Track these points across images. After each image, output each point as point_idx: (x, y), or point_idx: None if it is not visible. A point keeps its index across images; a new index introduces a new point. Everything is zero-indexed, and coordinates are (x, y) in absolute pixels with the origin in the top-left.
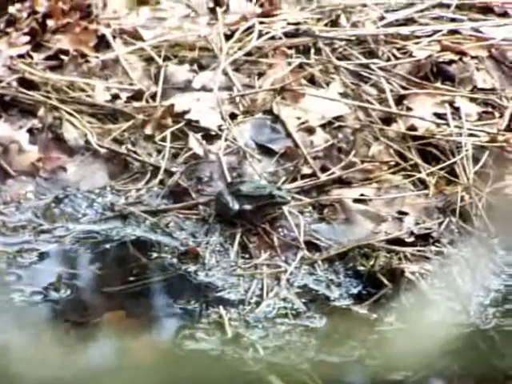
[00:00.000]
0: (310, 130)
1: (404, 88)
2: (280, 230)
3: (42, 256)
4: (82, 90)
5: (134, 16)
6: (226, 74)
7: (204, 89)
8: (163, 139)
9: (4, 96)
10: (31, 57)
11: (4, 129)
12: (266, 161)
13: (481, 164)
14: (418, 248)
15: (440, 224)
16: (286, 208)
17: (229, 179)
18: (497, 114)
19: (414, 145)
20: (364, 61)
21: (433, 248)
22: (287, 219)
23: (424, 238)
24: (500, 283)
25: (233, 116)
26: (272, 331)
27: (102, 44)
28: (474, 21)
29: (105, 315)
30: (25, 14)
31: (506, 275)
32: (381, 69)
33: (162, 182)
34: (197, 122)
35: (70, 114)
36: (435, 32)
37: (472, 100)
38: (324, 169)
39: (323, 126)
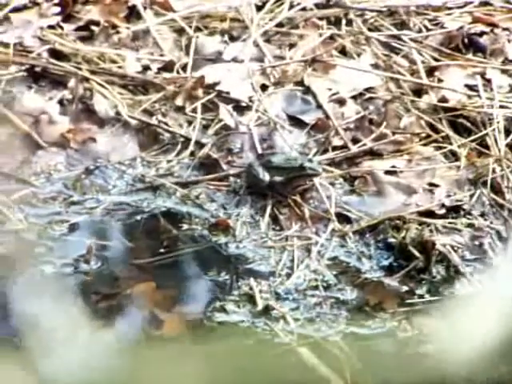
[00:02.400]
0: (341, 102)
1: (435, 59)
2: (311, 201)
3: (73, 227)
4: (113, 61)
5: None
6: (256, 45)
7: (235, 60)
8: (194, 110)
9: (34, 67)
10: (61, 28)
11: (34, 100)
12: (297, 132)
13: None
14: (449, 220)
15: (471, 196)
16: (316, 180)
17: (259, 151)
18: None
19: (445, 116)
20: (395, 32)
21: (464, 220)
22: (318, 191)
23: (455, 210)
24: None
25: (264, 87)
26: (303, 303)
27: (133, 15)
28: None
29: (135, 287)
30: None
31: None
32: (412, 40)
33: (192, 154)
34: (227, 93)
35: (101, 85)
36: (467, 3)
37: (503, 72)
38: (355, 140)
39: (354, 98)
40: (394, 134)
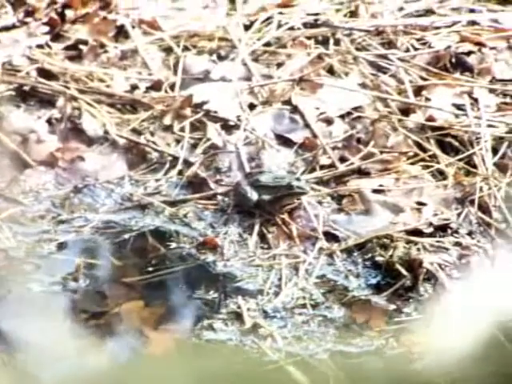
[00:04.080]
0: (329, 121)
1: (423, 79)
2: (299, 220)
3: (61, 246)
4: (101, 81)
5: (153, 6)
6: (244, 64)
7: (223, 79)
8: (182, 129)
9: (23, 86)
10: (50, 47)
11: (23, 119)
12: (285, 151)
13: (499, 155)
14: (437, 239)
15: (458, 215)
16: (304, 198)
17: (247, 170)
18: None
19: (432, 135)
20: (383, 51)
21: (451, 239)
22: (306, 210)
23: (442, 229)
24: None
25: (251, 106)
26: (290, 321)
27: (121, 34)
28: (493, 12)
29: (124, 305)
30: (44, 4)
31: None
32: (399, 59)
33: (180, 173)
34: (216, 112)
35: (89, 104)
36: (454, 23)
37: (491, 91)
38: (343, 159)
39: (342, 117)
40: (381, 152)
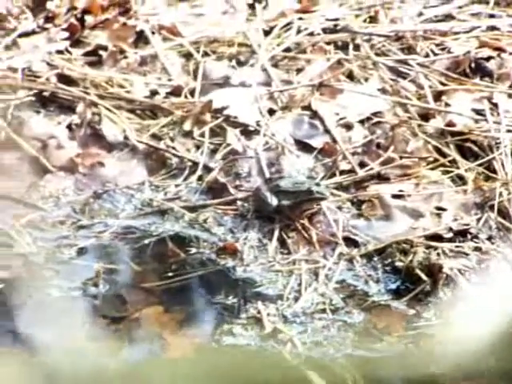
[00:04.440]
0: (349, 126)
1: (442, 84)
2: (318, 225)
3: (81, 251)
4: (121, 86)
5: (173, 12)
6: (264, 69)
7: (242, 85)
8: (202, 135)
9: (43, 92)
10: (70, 52)
11: (43, 124)
12: (305, 156)
13: None
14: (457, 244)
15: (478, 220)
16: (324, 204)
17: (267, 175)
18: None
19: (452, 140)
20: (402, 57)
21: (471, 244)
22: (325, 215)
23: (462, 234)
24: None
25: (271, 112)
26: (310, 326)
27: (141, 40)
28: None
29: (143, 311)
30: (63, 10)
31: None
32: (419, 65)
33: (200, 178)
34: (235, 117)
35: (109, 110)
36: (473, 28)
37: (510, 96)
38: (362, 164)
39: (361, 122)
40: (401, 158)
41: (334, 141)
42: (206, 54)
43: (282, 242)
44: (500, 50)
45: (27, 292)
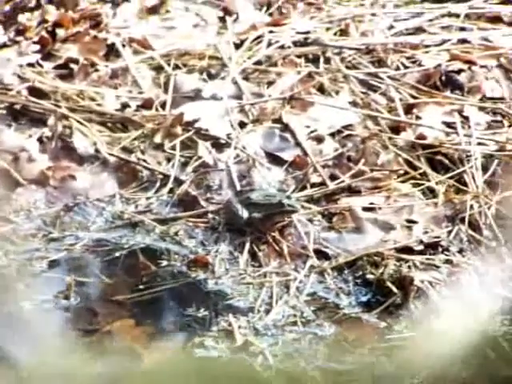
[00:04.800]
0: (319, 139)
1: (413, 97)
2: (289, 238)
3: (52, 264)
4: (92, 99)
5: (144, 25)
6: (235, 82)
7: (213, 97)
8: (173, 148)
9: (14, 105)
10: (41, 65)
11: (14, 137)
12: (276, 169)
13: (490, 173)
14: (427, 256)
15: (449, 232)
16: (295, 216)
17: (238, 187)
18: (506, 123)
19: (423, 153)
20: (373, 70)
21: (442, 256)
22: (296, 227)
23: (433, 247)
24: (508, 291)
25: (242, 124)
26: (281, 339)
27: (112, 53)
28: (483, 30)
29: (115, 323)
30: (34, 23)
31: None
32: (390, 78)
33: (171, 191)
34: (206, 130)
35: (80, 123)
36: (444, 41)
37: (481, 109)
38: (333, 177)
39: (332, 135)
40: (372, 170)
41: (305, 154)
42: (176, 67)
43: (253, 255)
44: (471, 62)
45: None
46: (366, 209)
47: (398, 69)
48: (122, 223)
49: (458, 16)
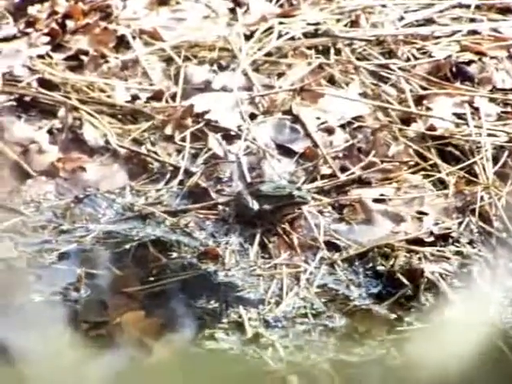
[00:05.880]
0: (330, 130)
1: (423, 88)
2: (300, 230)
3: (62, 256)
4: (102, 91)
5: (154, 16)
6: (245, 74)
7: (224, 89)
8: (183, 139)
9: (24, 96)
10: (51, 57)
11: (24, 129)
12: (286, 161)
13: (500, 164)
14: (438, 248)
15: (459, 224)
16: (305, 208)
17: (248, 179)
18: None
19: (433, 145)
20: (383, 61)
21: (452, 248)
22: (307, 219)
23: (443, 238)
24: None
25: (252, 116)
26: (292, 331)
27: (122, 44)
28: (494, 21)
29: (125, 315)
30: (44, 15)
31: None
32: (400, 69)
33: (181, 183)
34: (216, 122)
35: (90, 115)
36: (454, 32)
37: (491, 100)
38: (343, 169)
39: (343, 126)
40: (382, 162)
41: (316, 145)
42: (187, 59)
43: (264, 247)
44: (481, 54)
45: (8, 297)
46: (376, 200)
47: (408, 60)
48: (132, 215)
49: (468, 7)
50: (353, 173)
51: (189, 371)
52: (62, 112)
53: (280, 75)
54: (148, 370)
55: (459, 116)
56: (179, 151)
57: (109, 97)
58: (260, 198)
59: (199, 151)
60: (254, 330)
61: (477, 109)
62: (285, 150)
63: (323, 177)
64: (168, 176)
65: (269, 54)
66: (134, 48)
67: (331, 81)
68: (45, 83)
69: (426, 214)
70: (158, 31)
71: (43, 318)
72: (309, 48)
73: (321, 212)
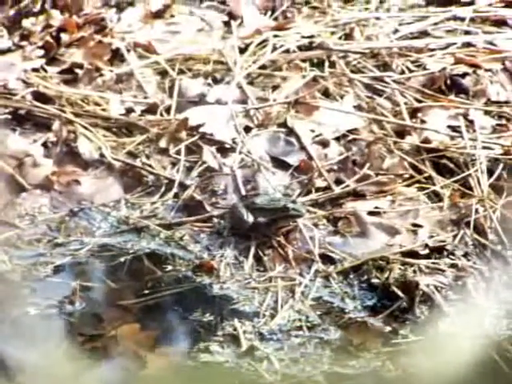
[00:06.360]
0: (324, 143)
1: (418, 101)
2: (294, 242)
3: (57, 269)
4: (97, 104)
5: (149, 29)
6: (240, 87)
7: (218, 102)
8: (178, 152)
9: (18, 109)
10: (45, 70)
11: (19, 142)
12: (281, 174)
13: (495, 177)
14: (433, 260)
15: (454, 236)
16: (300, 221)
17: (243, 192)
18: (511, 127)
19: (428, 157)
20: (378, 74)
21: (447, 260)
22: (302, 232)
23: (438, 251)
24: None
25: (247, 129)
26: (287, 344)
27: (117, 57)
28: (488, 33)
29: (120, 328)
30: (39, 28)
31: None
32: (395, 82)
33: (176, 196)
34: (211, 135)
35: (85, 128)
36: (449, 45)
37: (486, 113)
38: (338, 181)
39: (337, 139)
40: (377, 175)
41: (310, 158)
42: (181, 72)
43: (259, 259)
44: (476, 66)
45: (3, 310)
46: (371, 213)
47: (402, 73)
48: (127, 228)
49: (462, 19)
50: (347, 185)
51: (184, 383)
52: (56, 125)
53: (274, 88)
54: (143, 382)
55: (454, 129)
56: (174, 164)
57: (103, 110)
58: (255, 211)
59: (194, 164)
60: (248, 342)
61: (471, 121)
62: (279, 163)
63: (318, 189)
64: (163, 189)
65: (263, 67)
66: (129, 61)
67: (326, 93)
68: (39, 96)
69: (420, 226)
70: (152, 44)
71: (38, 330)
72: (303, 61)
73: (316, 225)
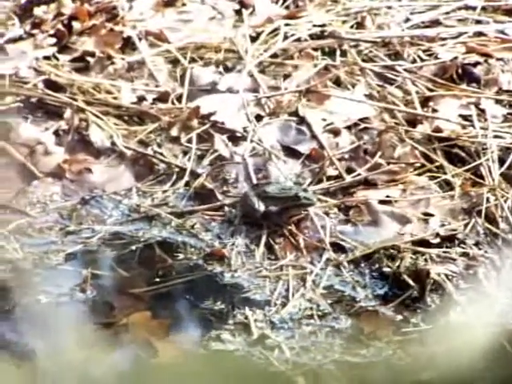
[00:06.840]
0: (336, 132)
1: (429, 90)
2: (306, 231)
3: (69, 257)
4: (108, 92)
5: (160, 18)
6: (251, 75)
7: (230, 90)
8: (189, 141)
9: (30, 98)
10: (57, 58)
11: (30, 130)
12: (292, 162)
13: (506, 166)
14: (444, 249)
15: (465, 225)
16: (311, 209)
17: (254, 181)
18: None
19: (439, 146)
20: (389, 62)
21: (458, 249)
22: (313, 221)
23: (449, 240)
24: None
25: (258, 117)
26: (298, 332)
27: (128, 46)
28: (500, 23)
29: (131, 316)
30: (50, 16)
31: None
32: (406, 70)
33: (187, 184)
34: (222, 123)
35: (96, 116)
36: (461, 34)
37: (497, 102)
38: (349, 170)
39: (348, 128)
40: (388, 163)
41: (321, 147)
42: (193, 60)
43: (270, 248)
44: (487, 55)
45: (15, 298)
46: (382, 202)
47: (414, 62)
48: (138, 216)
49: (474, 9)
50: (359, 174)
51: (195, 372)
52: (68, 113)
53: (286, 77)
54: (154, 370)
55: (465, 118)
56: (185, 152)
57: (115, 98)
58: (266, 200)
59: (205, 153)
60: (260, 331)
61: (483, 110)
62: (291, 152)
63: (329, 178)
64: (174, 177)
65: (275, 56)
66: (140, 49)
67: (337, 82)
68: (51, 85)
69: (432, 215)
70: (164, 33)
71: (50, 318)
72: (315, 49)
73: (327, 213)
